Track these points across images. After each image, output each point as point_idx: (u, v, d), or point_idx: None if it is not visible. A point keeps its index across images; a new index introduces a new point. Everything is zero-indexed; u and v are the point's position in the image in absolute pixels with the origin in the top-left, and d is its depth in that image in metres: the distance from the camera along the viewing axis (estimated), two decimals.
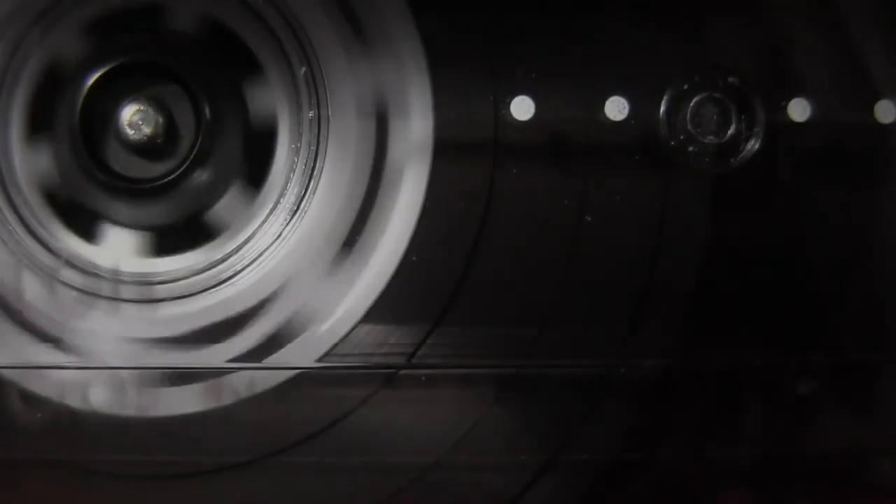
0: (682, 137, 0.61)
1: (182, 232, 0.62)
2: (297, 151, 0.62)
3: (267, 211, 0.62)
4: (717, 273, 0.62)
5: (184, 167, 0.61)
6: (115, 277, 0.61)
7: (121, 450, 0.59)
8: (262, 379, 0.60)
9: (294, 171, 0.62)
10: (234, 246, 0.62)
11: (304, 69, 0.61)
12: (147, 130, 0.61)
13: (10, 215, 0.61)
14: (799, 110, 0.61)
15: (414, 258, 0.60)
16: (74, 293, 0.60)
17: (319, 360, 0.60)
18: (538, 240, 0.61)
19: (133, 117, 0.61)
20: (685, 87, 0.61)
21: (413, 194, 0.60)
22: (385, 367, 0.60)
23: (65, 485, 0.59)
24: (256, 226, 0.62)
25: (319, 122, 0.61)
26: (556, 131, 0.61)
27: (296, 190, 0.61)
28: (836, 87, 0.62)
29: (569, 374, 0.61)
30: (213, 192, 0.62)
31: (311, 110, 0.61)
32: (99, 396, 0.59)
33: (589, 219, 0.61)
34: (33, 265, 0.60)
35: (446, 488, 0.61)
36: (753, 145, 0.61)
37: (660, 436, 0.62)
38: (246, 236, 0.62)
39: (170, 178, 0.61)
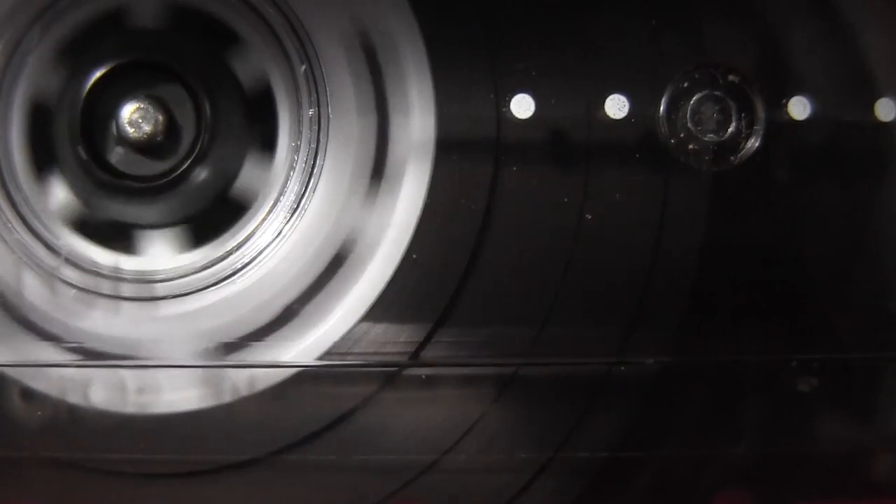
0: (682, 135, 0.61)
1: (182, 230, 0.62)
2: (296, 150, 0.62)
3: (267, 209, 0.62)
4: (717, 271, 0.62)
5: (185, 165, 0.61)
6: (116, 275, 0.61)
7: (121, 448, 0.59)
8: (262, 377, 0.60)
9: (294, 169, 0.62)
10: (234, 244, 0.62)
11: (303, 67, 0.61)
12: (147, 128, 0.61)
13: (10, 213, 0.61)
14: (799, 108, 0.61)
15: (415, 256, 0.60)
16: (74, 291, 0.60)
17: (320, 358, 0.60)
18: (539, 238, 0.61)
19: (133, 115, 0.61)
20: (685, 84, 0.61)
21: (414, 192, 0.60)
22: (386, 365, 0.60)
23: (65, 482, 0.59)
24: (256, 224, 0.62)
25: (319, 121, 0.61)
26: (557, 129, 0.61)
27: (296, 188, 0.61)
28: (837, 86, 0.62)
29: (569, 373, 0.61)
30: (214, 190, 0.62)
31: (311, 108, 0.61)
32: (99, 394, 0.59)
33: (589, 217, 0.61)
34: (33, 263, 0.60)
35: (447, 487, 0.61)
36: (753, 143, 0.61)
37: (659, 434, 0.62)
38: (246, 234, 0.62)
39: (170, 176, 0.61)
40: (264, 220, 0.62)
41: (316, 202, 0.61)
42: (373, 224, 0.60)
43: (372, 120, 0.61)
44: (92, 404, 0.59)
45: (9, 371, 0.59)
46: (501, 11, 0.60)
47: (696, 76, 0.61)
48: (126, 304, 0.61)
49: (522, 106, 0.60)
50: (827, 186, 0.62)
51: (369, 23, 0.60)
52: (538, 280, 0.61)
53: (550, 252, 0.61)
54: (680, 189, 0.61)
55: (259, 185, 0.62)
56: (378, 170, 0.60)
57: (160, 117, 0.61)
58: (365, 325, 0.60)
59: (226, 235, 0.62)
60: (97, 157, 0.62)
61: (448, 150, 0.60)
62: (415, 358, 0.60)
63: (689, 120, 0.61)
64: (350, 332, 0.60)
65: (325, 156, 0.61)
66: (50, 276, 0.60)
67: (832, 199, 0.62)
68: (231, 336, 0.60)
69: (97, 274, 0.61)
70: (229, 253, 0.62)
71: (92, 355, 0.60)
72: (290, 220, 0.61)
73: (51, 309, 0.60)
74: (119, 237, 0.62)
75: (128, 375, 0.60)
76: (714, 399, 0.62)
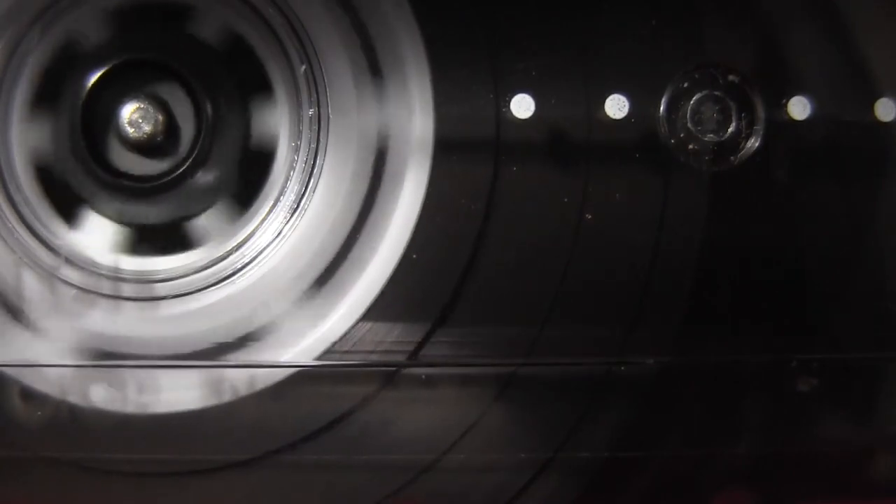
0: (682, 135, 0.61)
1: (182, 230, 0.62)
2: (296, 149, 0.62)
3: (267, 209, 0.62)
4: (717, 271, 0.62)
5: (185, 166, 0.61)
6: (116, 275, 0.61)
7: (121, 448, 0.59)
8: (262, 377, 0.60)
9: (294, 169, 0.62)
10: (234, 244, 0.62)
11: (303, 67, 0.61)
12: (147, 129, 0.61)
13: (9, 213, 0.61)
14: (799, 108, 0.61)
15: (414, 256, 0.60)
16: (74, 291, 0.60)
17: (319, 358, 0.60)
18: (538, 238, 0.61)
19: (133, 115, 0.61)
20: (685, 84, 0.61)
21: (413, 192, 0.60)
22: (385, 364, 0.60)
23: (65, 482, 0.59)
24: (256, 224, 0.62)
25: (319, 121, 0.61)
26: (557, 129, 0.61)
27: (296, 188, 0.61)
28: (837, 85, 0.62)
29: (569, 373, 0.61)
30: (214, 190, 0.62)
31: (311, 108, 0.61)
32: (99, 394, 0.59)
33: (589, 217, 0.61)
34: (33, 263, 0.61)
35: (447, 486, 0.61)
36: (753, 143, 0.61)
37: (659, 434, 0.62)
38: (246, 234, 0.62)
39: (170, 176, 0.61)
40: (264, 220, 0.62)
41: (316, 202, 0.61)
42: (372, 224, 0.60)
43: (372, 120, 0.61)
44: (92, 404, 0.59)
45: (9, 371, 0.59)
46: (501, 11, 0.60)
47: (696, 76, 0.61)
48: (126, 304, 0.61)
49: (522, 106, 0.60)
50: (827, 186, 0.62)
51: (369, 23, 0.60)
52: (538, 280, 0.61)
53: (550, 252, 0.61)
54: (680, 189, 0.61)
55: (259, 184, 0.62)
56: (378, 170, 0.60)
57: (160, 117, 0.61)
58: (364, 324, 0.60)
59: (226, 235, 0.62)
60: (98, 157, 0.62)
61: (448, 150, 0.60)
62: (414, 358, 0.60)
63: (689, 120, 0.61)
64: (349, 331, 0.60)
65: (325, 156, 0.61)
66: (50, 276, 0.60)
67: (832, 199, 0.62)
68: (231, 336, 0.60)
69: (97, 274, 0.61)
70: (229, 253, 0.62)
71: (92, 355, 0.60)
72: (290, 220, 0.61)
73: (51, 309, 0.60)
74: (119, 237, 0.62)
75: (128, 375, 0.60)
76: (714, 399, 0.62)
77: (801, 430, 0.62)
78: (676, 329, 0.61)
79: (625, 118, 0.61)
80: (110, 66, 0.61)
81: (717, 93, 0.61)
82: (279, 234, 0.61)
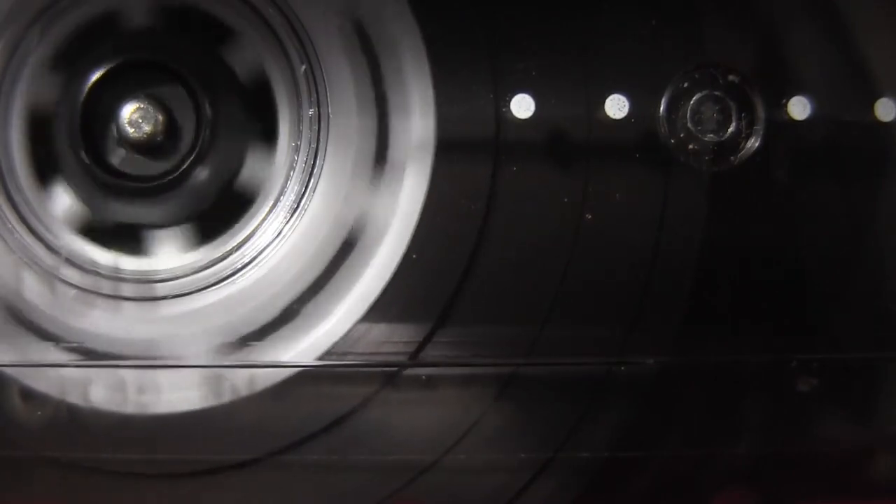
0: (682, 135, 0.61)
1: (182, 230, 0.62)
2: (297, 149, 0.62)
3: (267, 209, 0.62)
4: (717, 271, 0.62)
5: (184, 165, 0.61)
6: (116, 275, 0.61)
7: (121, 448, 0.59)
8: (262, 377, 0.60)
9: (294, 169, 0.62)
10: (234, 244, 0.62)
11: (303, 67, 0.61)
12: (147, 129, 0.61)
13: (9, 213, 0.61)
14: (799, 108, 0.61)
15: (415, 256, 0.60)
16: (74, 291, 0.60)
17: (320, 358, 0.60)
18: (538, 238, 0.61)
19: (133, 115, 0.61)
20: (685, 84, 0.61)
21: (414, 192, 0.60)
22: (386, 365, 0.60)
23: (65, 482, 0.59)
24: (256, 224, 0.62)
25: (319, 120, 0.61)
26: (557, 129, 0.61)
27: (296, 188, 0.61)
28: (837, 85, 0.62)
29: (569, 373, 0.61)
30: (214, 190, 0.62)
31: (311, 108, 0.61)
32: (99, 394, 0.59)
33: (589, 217, 0.61)
34: (33, 263, 0.60)
35: (447, 487, 0.61)
36: (753, 143, 0.61)
37: (659, 434, 0.62)
38: (246, 234, 0.62)
39: (171, 176, 0.61)
40: (264, 220, 0.62)
41: (316, 202, 0.61)
42: (372, 224, 0.60)
43: (372, 120, 0.61)
44: (92, 404, 0.59)
45: (9, 371, 0.59)
46: (501, 11, 0.60)
47: (696, 76, 0.61)
48: (126, 304, 0.61)
49: (522, 106, 0.60)
50: (827, 186, 0.62)
51: (369, 23, 0.60)
52: (538, 280, 0.61)
53: (550, 252, 0.61)
54: (680, 189, 0.61)
55: (259, 184, 0.62)
56: (378, 170, 0.60)
57: (160, 117, 0.61)
58: (365, 325, 0.60)
59: (226, 235, 0.62)
60: (97, 157, 0.62)
61: (448, 150, 0.60)
62: (415, 358, 0.60)
63: (689, 120, 0.61)
64: (350, 332, 0.60)
65: (325, 156, 0.61)
66: (50, 276, 0.60)
67: (832, 199, 0.62)
68: (231, 336, 0.60)
69: (97, 274, 0.61)
70: (229, 253, 0.62)
71: (92, 355, 0.60)
72: (290, 220, 0.61)
73: (51, 309, 0.60)
74: (120, 237, 0.62)
75: (128, 375, 0.60)
76: (714, 399, 0.62)
77: (801, 430, 0.62)
78: (676, 329, 0.62)
79: (625, 118, 0.61)
80: (110, 66, 0.61)
81: (717, 93, 0.61)
82: (279, 234, 0.61)
